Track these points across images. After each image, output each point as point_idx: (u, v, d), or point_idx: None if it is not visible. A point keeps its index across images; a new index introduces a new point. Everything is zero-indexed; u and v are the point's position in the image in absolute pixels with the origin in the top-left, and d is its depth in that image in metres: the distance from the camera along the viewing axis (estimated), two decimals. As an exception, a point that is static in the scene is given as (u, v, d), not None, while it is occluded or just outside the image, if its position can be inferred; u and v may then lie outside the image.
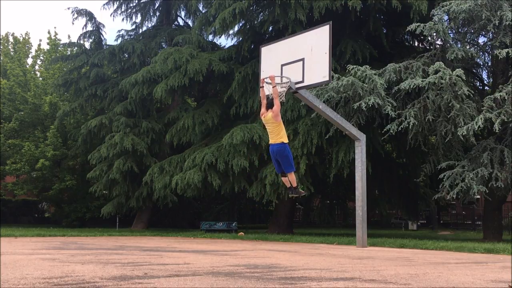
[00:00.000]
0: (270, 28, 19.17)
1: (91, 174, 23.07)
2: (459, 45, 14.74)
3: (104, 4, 27.84)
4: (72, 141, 27.35)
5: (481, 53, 15.71)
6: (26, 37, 34.75)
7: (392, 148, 21.68)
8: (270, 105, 8.60)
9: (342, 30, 17.20)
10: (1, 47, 33.32)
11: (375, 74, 13.89)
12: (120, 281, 4.02)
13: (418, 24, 14.13)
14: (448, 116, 13.22)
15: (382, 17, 18.78)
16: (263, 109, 8.73)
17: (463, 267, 5.91)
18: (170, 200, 22.31)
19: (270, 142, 8.73)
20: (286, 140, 8.50)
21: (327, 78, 10.05)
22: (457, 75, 12.79)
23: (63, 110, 25.55)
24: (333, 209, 35.70)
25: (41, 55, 33.64)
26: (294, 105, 16.37)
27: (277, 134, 8.50)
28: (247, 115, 18.68)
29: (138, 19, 28.26)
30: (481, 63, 16.39)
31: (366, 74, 13.88)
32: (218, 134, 19.36)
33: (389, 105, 13.74)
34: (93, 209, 27.68)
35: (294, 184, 8.75)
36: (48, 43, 32.44)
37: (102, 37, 27.39)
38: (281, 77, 10.33)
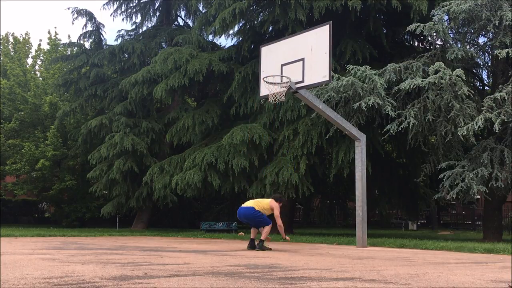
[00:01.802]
0: (270, 28, 19.16)
1: (91, 174, 23.07)
2: (459, 45, 14.74)
3: (104, 4, 27.86)
4: (72, 141, 27.35)
5: (481, 53, 15.71)
6: (26, 37, 34.76)
7: (392, 148, 21.68)
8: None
9: (342, 30, 17.20)
10: (1, 47, 33.32)
11: (375, 74, 13.89)
12: (120, 281, 4.02)
13: (418, 24, 14.12)
14: (448, 116, 13.22)
15: (382, 17, 18.77)
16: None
17: (463, 267, 5.91)
18: (170, 200, 22.31)
19: (242, 205, 9.10)
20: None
21: (327, 78, 10.05)
22: (457, 75, 12.79)
23: (63, 110, 25.55)
24: (333, 209, 35.72)
25: (41, 55, 33.66)
26: (294, 105, 16.37)
27: (258, 207, 8.89)
28: (247, 115, 18.68)
29: (138, 19, 28.28)
30: (481, 63, 16.38)
31: (366, 74, 13.88)
32: (218, 134, 19.35)
33: (389, 105, 13.74)
34: (93, 209, 27.69)
35: (263, 237, 8.92)
36: (48, 43, 32.47)
37: (102, 37, 27.39)
38: (281, 76, 10.34)
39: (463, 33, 14.98)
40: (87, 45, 27.27)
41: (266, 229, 8.90)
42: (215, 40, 24.40)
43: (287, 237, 9.20)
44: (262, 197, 17.17)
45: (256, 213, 8.86)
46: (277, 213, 8.94)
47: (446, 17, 14.86)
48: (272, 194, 16.50)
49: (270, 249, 8.96)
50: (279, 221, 8.94)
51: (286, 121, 16.97)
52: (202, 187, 17.82)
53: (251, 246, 9.05)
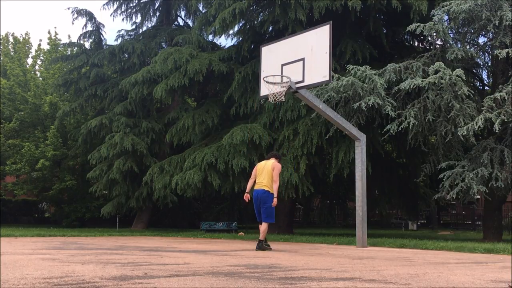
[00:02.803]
0: (270, 28, 19.17)
1: (91, 174, 23.07)
2: (459, 45, 14.74)
3: (104, 4, 27.87)
4: (72, 141, 27.36)
5: (481, 53, 15.71)
6: (26, 37, 34.78)
7: (392, 148, 21.68)
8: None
9: (342, 30, 17.20)
10: (1, 47, 33.33)
11: (375, 74, 13.89)
12: (120, 281, 4.02)
13: (418, 24, 14.12)
14: (448, 116, 13.23)
15: (382, 17, 18.78)
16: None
17: (463, 267, 5.91)
18: (170, 200, 22.31)
19: (256, 187, 9.02)
20: (272, 191, 8.89)
21: (327, 78, 10.04)
22: (457, 75, 12.79)
23: (63, 110, 25.56)
24: (333, 209, 35.78)
25: (41, 55, 33.67)
26: (294, 105, 16.37)
27: (270, 184, 8.87)
28: (247, 115, 18.68)
29: (138, 19, 28.30)
30: (481, 63, 16.38)
31: (366, 74, 13.88)
32: (218, 134, 19.35)
33: (389, 105, 13.74)
34: (93, 209, 27.69)
35: (261, 237, 8.87)
36: (48, 43, 32.47)
37: (102, 37, 27.40)
38: (282, 76, 10.33)
39: (463, 33, 14.98)
40: (87, 45, 27.31)
41: (264, 228, 8.91)
42: (215, 40, 24.43)
43: (275, 199, 9.09)
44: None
45: (270, 196, 8.86)
46: (277, 172, 8.98)
47: (446, 17, 14.85)
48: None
49: (270, 249, 8.99)
50: (277, 180, 8.99)
51: (286, 121, 16.97)
52: (202, 187, 17.82)
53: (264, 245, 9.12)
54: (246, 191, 9.37)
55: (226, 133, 17.61)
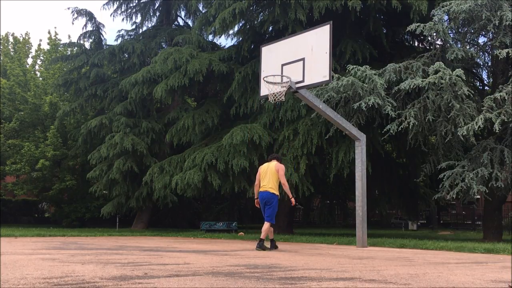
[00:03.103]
0: (270, 28, 19.17)
1: (91, 174, 23.08)
2: (459, 45, 14.74)
3: (104, 4, 27.88)
4: (72, 141, 27.38)
5: (481, 53, 15.70)
6: (26, 37, 34.81)
7: (392, 148, 21.68)
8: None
9: (342, 30, 17.20)
10: (1, 47, 33.34)
11: (375, 74, 13.89)
12: (120, 281, 4.02)
13: (418, 24, 14.12)
14: (448, 116, 13.22)
15: (382, 17, 18.78)
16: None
17: (463, 267, 5.91)
18: (170, 200, 22.31)
19: (261, 190, 9.10)
20: (277, 193, 9.07)
21: (327, 78, 10.04)
22: (457, 75, 12.79)
23: (63, 110, 25.58)
24: (333, 209, 35.72)
25: (41, 55, 33.69)
26: (294, 105, 16.37)
27: (275, 186, 9.00)
28: (247, 115, 18.68)
29: (138, 19, 28.32)
30: (481, 63, 16.38)
31: (366, 74, 13.88)
32: (218, 134, 19.36)
33: (389, 105, 13.73)
34: (93, 209, 27.71)
35: (263, 236, 8.89)
36: (48, 43, 32.50)
37: (102, 37, 27.42)
38: (282, 76, 10.33)
39: (463, 33, 14.98)
40: (87, 45, 27.33)
41: (265, 228, 8.92)
42: (215, 40, 24.45)
43: (292, 199, 9.31)
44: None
45: (275, 198, 8.98)
46: (282, 173, 9.08)
47: (446, 17, 14.85)
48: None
49: (269, 248, 9.00)
50: (285, 182, 9.10)
51: (286, 121, 16.97)
52: (202, 187, 17.81)
53: (273, 246, 9.16)
54: (255, 197, 9.38)
55: (226, 133, 17.60)
